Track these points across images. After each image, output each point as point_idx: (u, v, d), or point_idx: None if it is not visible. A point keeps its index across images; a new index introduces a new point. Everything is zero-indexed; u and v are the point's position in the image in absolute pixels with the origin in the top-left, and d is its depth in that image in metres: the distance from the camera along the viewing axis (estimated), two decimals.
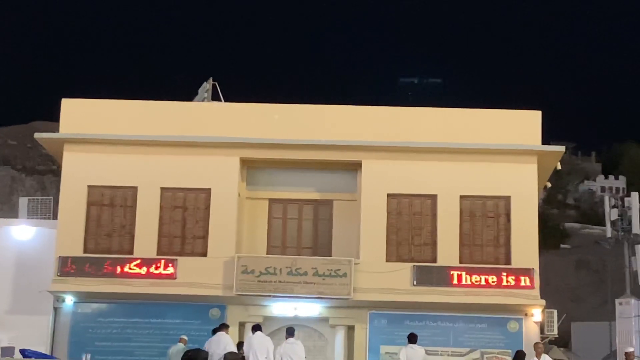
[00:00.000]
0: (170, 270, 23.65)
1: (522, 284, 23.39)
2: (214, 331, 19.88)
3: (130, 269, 23.68)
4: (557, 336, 25.92)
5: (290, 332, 18.91)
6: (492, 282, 23.43)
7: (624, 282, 30.68)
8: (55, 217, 25.33)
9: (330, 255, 24.27)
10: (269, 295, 23.43)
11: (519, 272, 23.47)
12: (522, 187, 24.06)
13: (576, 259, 69.08)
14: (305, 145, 24.18)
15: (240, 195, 24.53)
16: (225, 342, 18.95)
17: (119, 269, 23.66)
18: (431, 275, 23.49)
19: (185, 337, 21.72)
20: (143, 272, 23.65)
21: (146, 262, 23.74)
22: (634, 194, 30.15)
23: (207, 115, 25.22)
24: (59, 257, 23.74)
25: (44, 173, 75.09)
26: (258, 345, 18.43)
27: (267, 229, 25.05)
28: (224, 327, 19.85)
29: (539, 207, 25.67)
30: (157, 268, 23.71)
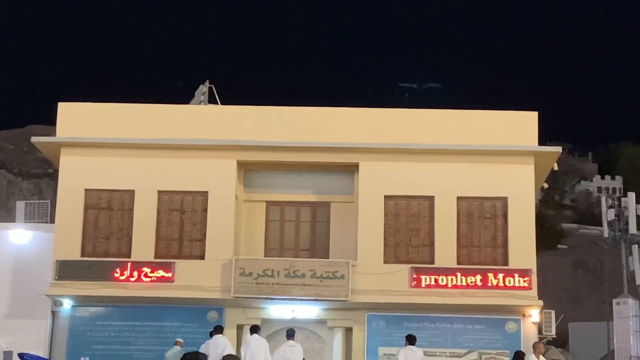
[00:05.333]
0: (168, 273, 23.65)
1: (520, 284, 23.41)
2: (211, 334, 19.88)
3: (128, 272, 23.66)
4: (555, 336, 25.98)
5: (290, 335, 18.90)
6: (490, 283, 23.45)
7: (621, 282, 30.71)
8: (52, 220, 25.29)
9: (328, 257, 24.27)
10: (267, 298, 23.44)
11: (516, 273, 23.49)
12: (519, 188, 24.09)
13: (573, 259, 69.12)
14: (302, 148, 24.19)
15: (237, 197, 24.54)
16: (223, 344, 18.94)
17: (116, 273, 23.64)
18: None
19: (181, 340, 21.74)
20: (141, 276, 23.65)
21: (144, 265, 23.73)
22: (631, 194, 30.17)
23: (203, 118, 25.22)
24: (57, 260, 23.72)
25: (40, 177, 74.97)
26: (255, 347, 18.42)
27: (265, 231, 25.06)
28: (218, 329, 19.81)
29: (536, 207, 25.72)
30: (154, 271, 23.70)
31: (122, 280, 23.61)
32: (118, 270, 23.65)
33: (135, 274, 23.64)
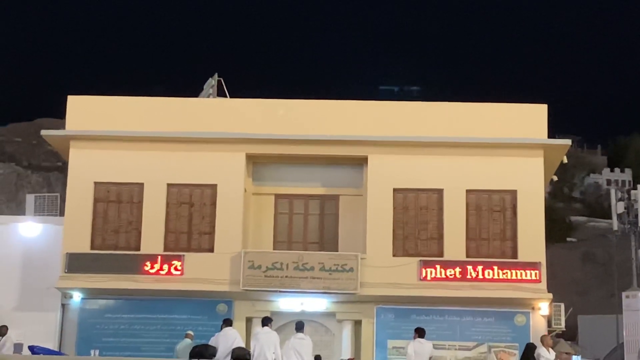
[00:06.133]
0: (177, 266, 23.69)
1: (529, 277, 23.39)
2: (221, 327, 19.91)
3: (137, 265, 23.72)
4: (564, 329, 25.94)
5: (299, 327, 18.88)
6: (499, 276, 23.43)
7: (630, 275, 30.70)
8: (61, 213, 25.38)
9: (337, 250, 24.30)
10: (276, 291, 23.47)
11: (525, 266, 23.47)
12: (528, 180, 24.05)
13: (582, 252, 69.01)
14: (311, 141, 24.19)
15: (246, 190, 24.56)
16: (233, 337, 18.95)
17: (126, 265, 23.70)
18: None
19: (191, 332, 21.77)
20: (150, 268, 23.71)
21: (153, 258, 23.78)
22: None
23: (212, 111, 25.23)
24: (66, 253, 23.80)
25: (49, 170, 75.13)
26: (265, 340, 18.42)
27: (274, 224, 25.08)
28: (228, 322, 19.84)
29: (545, 200, 25.63)
30: (164, 264, 23.75)
31: (131, 273, 23.65)
32: (127, 263, 23.70)
33: (145, 266, 23.68)
